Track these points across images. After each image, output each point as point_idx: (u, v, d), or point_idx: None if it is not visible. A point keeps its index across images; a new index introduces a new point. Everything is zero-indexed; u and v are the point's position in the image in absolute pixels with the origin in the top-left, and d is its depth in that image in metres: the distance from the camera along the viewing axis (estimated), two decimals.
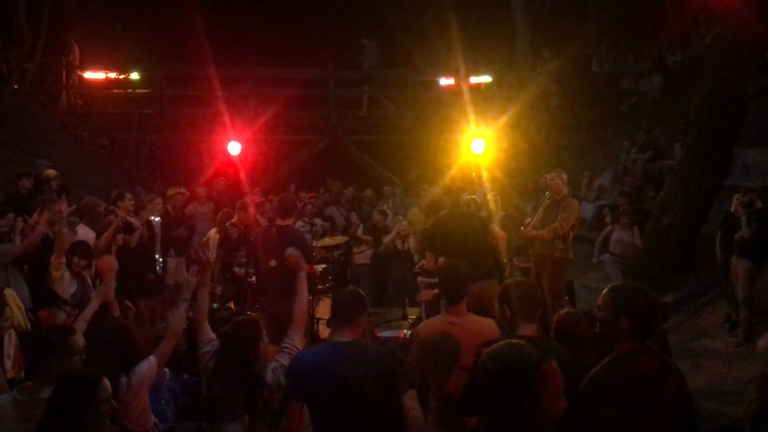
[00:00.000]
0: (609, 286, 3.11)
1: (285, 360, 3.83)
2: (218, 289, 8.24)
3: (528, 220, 7.88)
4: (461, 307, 4.18)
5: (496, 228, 7.18)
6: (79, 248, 6.28)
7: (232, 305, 8.72)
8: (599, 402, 2.80)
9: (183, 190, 9.86)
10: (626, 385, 2.82)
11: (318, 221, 10.84)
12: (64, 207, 7.01)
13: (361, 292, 3.69)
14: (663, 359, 2.96)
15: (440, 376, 3.53)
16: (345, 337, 3.44)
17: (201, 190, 11.15)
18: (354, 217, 11.93)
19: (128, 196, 7.89)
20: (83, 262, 6.22)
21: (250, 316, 4.12)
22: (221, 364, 3.81)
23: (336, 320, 3.55)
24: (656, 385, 2.81)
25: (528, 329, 3.55)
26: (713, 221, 8.77)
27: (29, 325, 5.47)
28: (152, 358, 3.78)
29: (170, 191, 9.64)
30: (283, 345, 3.99)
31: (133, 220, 7.60)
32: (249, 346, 3.75)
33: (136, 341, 3.79)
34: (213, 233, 9.19)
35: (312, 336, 7.13)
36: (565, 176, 7.74)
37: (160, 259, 8.45)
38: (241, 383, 3.70)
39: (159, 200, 8.69)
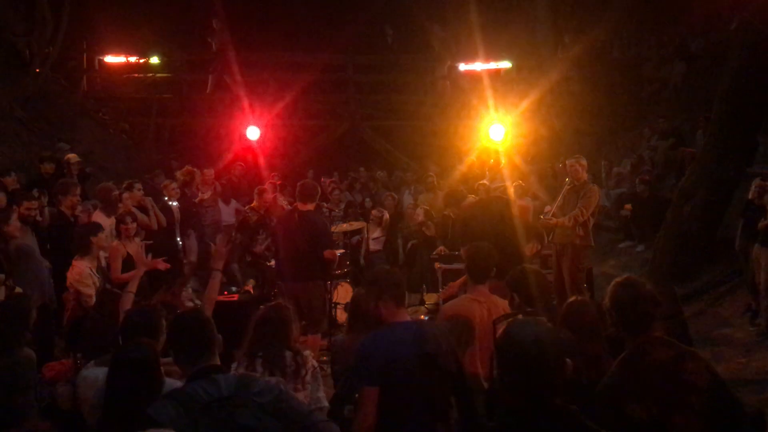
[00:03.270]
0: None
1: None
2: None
3: (548, 207, 7.81)
4: (485, 287, 4.26)
5: (521, 202, 7.13)
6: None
7: (251, 289, 8.79)
8: (622, 399, 2.79)
9: (191, 168, 9.99)
10: (644, 378, 2.81)
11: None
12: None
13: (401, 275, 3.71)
14: (679, 347, 2.93)
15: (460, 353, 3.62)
16: (405, 317, 3.49)
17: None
18: (368, 203, 11.96)
19: (137, 186, 7.90)
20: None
21: (280, 303, 4.16)
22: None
23: (396, 302, 3.49)
24: (674, 374, 2.80)
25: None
26: (735, 209, 8.68)
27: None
28: None
29: (179, 174, 9.78)
30: None
31: (137, 213, 7.60)
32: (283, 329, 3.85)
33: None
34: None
35: (330, 321, 7.16)
36: (584, 162, 7.67)
37: (180, 242, 8.58)
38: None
39: (175, 185, 8.80)
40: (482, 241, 6.27)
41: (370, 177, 14.08)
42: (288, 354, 3.80)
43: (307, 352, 3.92)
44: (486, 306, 4.14)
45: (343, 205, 11.17)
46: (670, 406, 2.75)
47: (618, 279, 3.12)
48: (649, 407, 2.75)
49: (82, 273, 5.64)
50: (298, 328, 4.05)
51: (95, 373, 3.59)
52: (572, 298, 3.86)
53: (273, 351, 3.78)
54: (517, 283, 4.02)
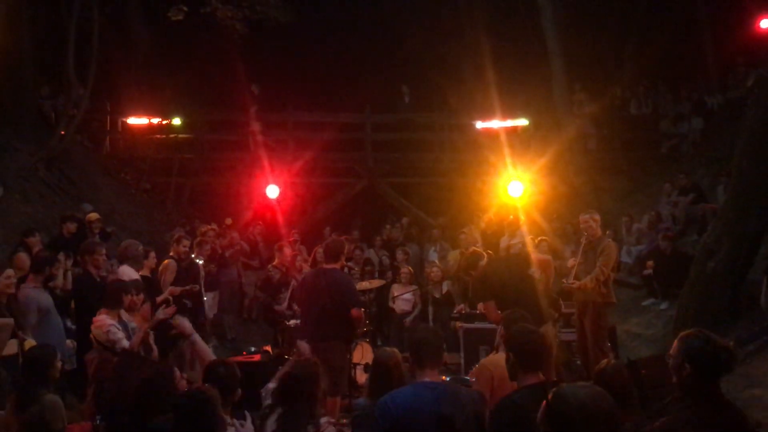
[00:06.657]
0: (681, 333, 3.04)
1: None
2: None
3: (571, 261, 7.75)
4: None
5: (538, 255, 7.07)
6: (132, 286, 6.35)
7: (269, 349, 8.74)
8: None
9: (214, 226, 10.09)
10: None
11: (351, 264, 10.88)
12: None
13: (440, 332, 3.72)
14: (736, 410, 2.84)
15: None
16: (432, 377, 3.42)
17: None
18: (386, 260, 11.89)
19: (152, 254, 7.90)
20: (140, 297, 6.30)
21: (309, 359, 4.16)
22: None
23: (423, 360, 3.49)
24: None
25: (532, 378, 3.37)
26: (760, 265, 8.55)
27: None
28: None
29: (201, 230, 9.86)
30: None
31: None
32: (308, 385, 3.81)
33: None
34: None
35: (350, 382, 7.07)
36: (598, 217, 7.66)
37: (205, 298, 8.62)
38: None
39: (208, 246, 8.89)
40: (503, 296, 6.24)
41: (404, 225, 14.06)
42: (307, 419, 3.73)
43: (324, 419, 3.84)
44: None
45: (357, 265, 11.10)
46: None
47: (688, 332, 3.00)
48: None
49: (105, 322, 5.60)
50: (325, 385, 3.99)
51: None
52: (605, 362, 3.77)
53: (292, 411, 3.72)
54: (510, 344, 3.59)
